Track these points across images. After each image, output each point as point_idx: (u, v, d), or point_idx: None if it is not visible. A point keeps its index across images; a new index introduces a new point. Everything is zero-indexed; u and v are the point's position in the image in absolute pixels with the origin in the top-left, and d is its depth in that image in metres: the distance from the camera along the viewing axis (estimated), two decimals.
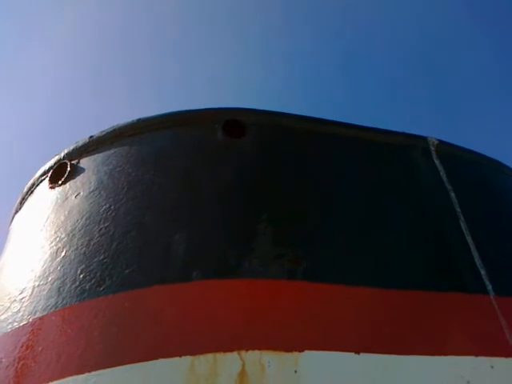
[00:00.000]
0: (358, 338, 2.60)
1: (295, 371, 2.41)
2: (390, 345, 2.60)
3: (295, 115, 3.75)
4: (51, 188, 3.69)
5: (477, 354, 2.70)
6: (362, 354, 2.53)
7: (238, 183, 3.23)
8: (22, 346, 2.73)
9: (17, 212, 4.06)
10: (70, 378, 2.47)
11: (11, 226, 4.04)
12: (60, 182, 3.65)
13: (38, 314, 2.82)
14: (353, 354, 2.52)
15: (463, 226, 3.39)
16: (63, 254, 3.05)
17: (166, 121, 3.66)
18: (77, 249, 3.02)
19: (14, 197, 4.26)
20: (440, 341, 2.70)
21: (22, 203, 4.04)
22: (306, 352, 2.48)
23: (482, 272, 3.14)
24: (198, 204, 3.13)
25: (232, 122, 3.55)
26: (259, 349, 2.45)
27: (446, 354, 2.64)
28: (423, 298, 2.87)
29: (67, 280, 2.89)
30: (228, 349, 2.44)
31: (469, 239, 3.32)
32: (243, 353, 2.43)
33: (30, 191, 3.97)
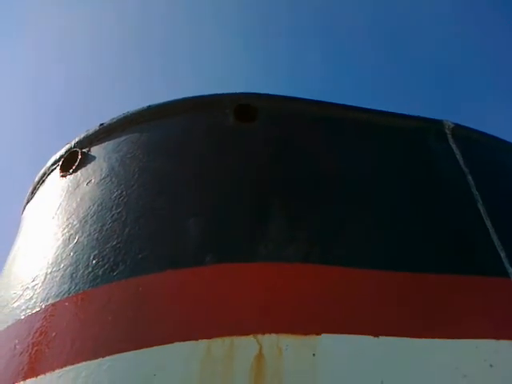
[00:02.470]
0: (376, 320, 2.54)
1: (313, 354, 2.35)
2: (409, 328, 2.54)
3: (306, 99, 3.69)
4: (62, 176, 3.66)
5: (499, 338, 2.63)
6: (380, 337, 2.47)
7: (250, 167, 3.18)
8: (35, 333, 2.70)
9: (28, 202, 4.04)
10: (83, 364, 2.44)
11: (23, 216, 4.02)
12: (71, 171, 3.62)
13: (51, 301, 2.80)
14: (371, 337, 2.46)
15: (481, 208, 3.31)
16: (76, 240, 3.02)
17: (176, 107, 3.62)
18: (89, 235, 2.99)
19: (25, 187, 4.24)
20: (461, 324, 2.64)
21: (33, 193, 4.02)
22: (324, 335, 2.43)
23: (502, 255, 3.07)
24: (209, 189, 3.09)
25: (243, 107, 3.50)
26: (276, 332, 2.40)
27: (467, 337, 2.57)
28: (443, 282, 2.81)
29: (80, 266, 2.85)
30: (244, 332, 2.40)
31: (487, 222, 3.24)
32: (260, 336, 2.38)
33: (42, 180, 3.95)
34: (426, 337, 2.52)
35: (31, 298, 2.90)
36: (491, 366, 2.47)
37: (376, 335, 2.47)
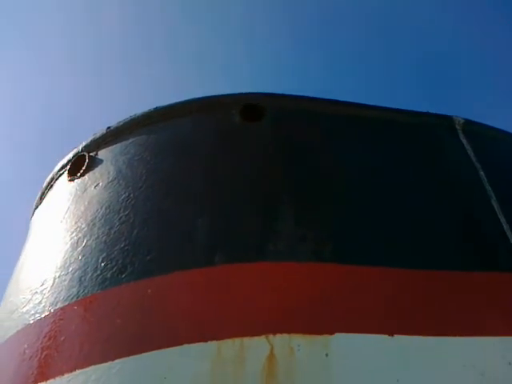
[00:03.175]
0: (390, 319, 2.49)
1: (326, 354, 2.30)
2: (424, 326, 2.48)
3: (312, 97, 3.66)
4: (70, 181, 3.65)
5: None
6: (395, 335, 2.41)
7: (258, 167, 3.15)
8: (44, 337, 2.68)
9: (37, 207, 4.04)
10: (93, 367, 2.41)
11: (32, 221, 4.02)
12: (79, 175, 3.61)
13: (60, 305, 2.77)
14: (386, 336, 2.41)
15: (495, 204, 3.25)
16: (84, 243, 3.00)
17: (183, 108, 3.59)
18: (97, 238, 2.97)
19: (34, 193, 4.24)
20: (477, 321, 2.57)
21: (41, 198, 4.02)
22: (337, 335, 2.37)
23: None
24: (218, 189, 3.05)
25: (249, 107, 3.47)
26: (288, 332, 2.35)
27: (484, 334, 2.51)
28: (457, 279, 2.74)
29: (88, 269, 2.83)
30: (255, 333, 2.35)
31: (501, 218, 3.17)
32: (271, 336, 2.34)
33: (50, 186, 3.95)
34: (441, 335, 2.46)
35: (40, 303, 2.88)
36: (510, 363, 2.40)
37: (391, 334, 2.42)
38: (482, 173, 3.43)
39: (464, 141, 3.67)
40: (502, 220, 3.18)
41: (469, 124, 3.79)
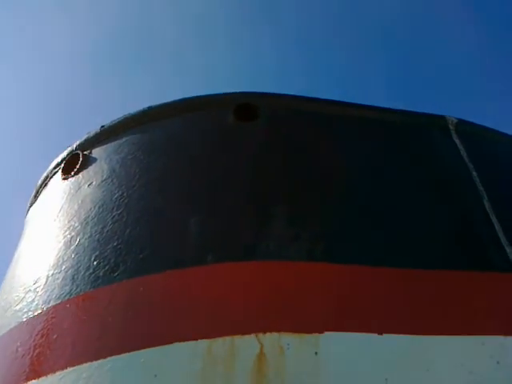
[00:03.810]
0: (380, 318, 2.50)
1: (316, 353, 2.32)
2: (414, 325, 2.50)
3: (307, 97, 3.67)
4: (64, 179, 3.66)
5: (506, 334, 2.58)
6: (384, 334, 2.43)
7: (251, 166, 3.16)
8: (37, 335, 2.69)
9: (31, 205, 4.05)
10: (85, 365, 2.42)
11: (26, 219, 4.03)
12: (73, 173, 3.62)
13: (53, 303, 2.79)
14: (375, 334, 2.43)
15: (487, 204, 3.26)
16: (77, 242, 3.01)
17: (176, 107, 3.61)
18: (90, 236, 2.98)
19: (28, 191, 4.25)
20: (467, 320, 2.59)
21: (36, 196, 4.03)
22: (327, 333, 2.39)
23: (508, 250, 3.01)
24: (211, 188, 3.07)
25: (243, 106, 3.48)
26: (278, 331, 2.37)
27: (473, 333, 2.53)
28: (448, 278, 2.76)
29: (81, 267, 2.84)
30: (245, 331, 2.37)
31: (493, 218, 3.19)
32: (261, 335, 2.35)
33: (44, 184, 3.96)
34: (431, 334, 2.48)
35: (33, 301, 2.90)
36: (498, 362, 2.42)
37: (380, 333, 2.43)
38: (474, 173, 3.45)
39: (457, 141, 3.68)
40: (494, 220, 3.20)
41: (462, 124, 3.80)
